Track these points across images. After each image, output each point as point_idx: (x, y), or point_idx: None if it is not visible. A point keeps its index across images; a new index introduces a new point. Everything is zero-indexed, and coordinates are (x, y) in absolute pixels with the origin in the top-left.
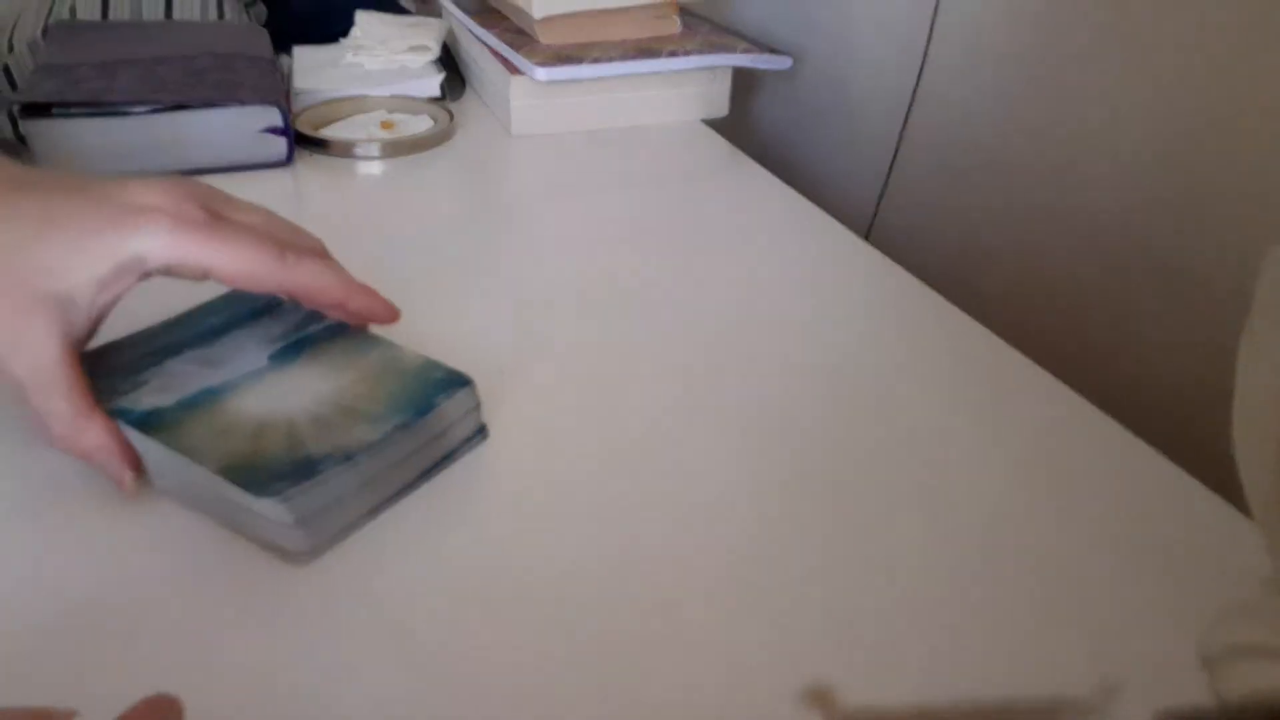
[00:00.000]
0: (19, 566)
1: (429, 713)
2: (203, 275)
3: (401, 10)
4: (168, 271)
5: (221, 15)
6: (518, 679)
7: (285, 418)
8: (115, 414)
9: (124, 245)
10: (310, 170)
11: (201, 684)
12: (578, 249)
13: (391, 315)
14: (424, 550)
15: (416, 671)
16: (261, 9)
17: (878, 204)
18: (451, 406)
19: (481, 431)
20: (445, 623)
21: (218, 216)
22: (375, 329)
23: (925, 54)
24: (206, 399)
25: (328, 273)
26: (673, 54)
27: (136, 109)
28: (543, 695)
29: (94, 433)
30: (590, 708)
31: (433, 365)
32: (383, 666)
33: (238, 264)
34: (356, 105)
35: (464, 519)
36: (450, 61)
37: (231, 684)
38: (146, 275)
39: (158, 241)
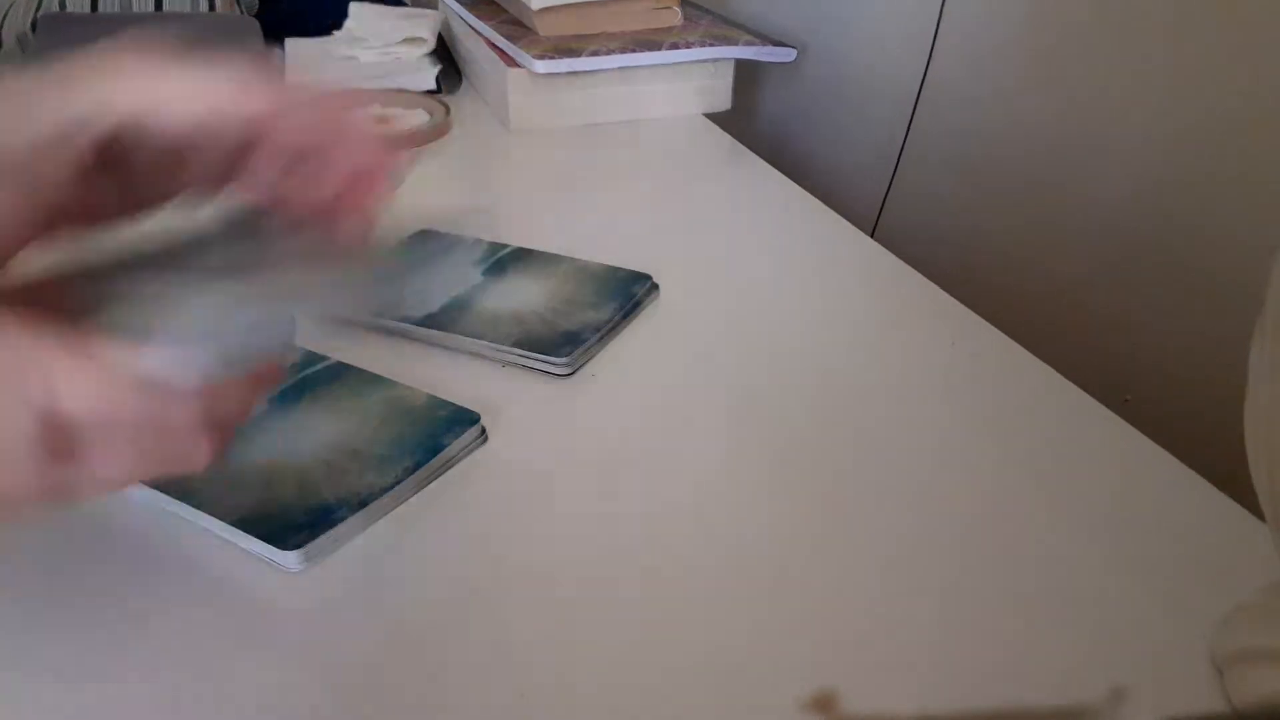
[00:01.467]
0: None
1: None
2: (164, 131)
3: (396, 1)
4: (121, 132)
5: (212, 7)
6: (516, 684)
7: (295, 465)
8: None
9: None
10: None
11: (198, 692)
12: (577, 245)
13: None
14: (421, 554)
15: (415, 677)
16: (253, 1)
17: (884, 199)
18: (459, 444)
19: (482, 436)
20: (442, 627)
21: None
22: (363, 362)
23: (932, 47)
24: None
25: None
26: (674, 46)
27: None
28: (541, 701)
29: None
30: (588, 714)
31: (438, 403)
32: (380, 672)
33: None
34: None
35: (462, 522)
36: (446, 54)
37: (230, 693)
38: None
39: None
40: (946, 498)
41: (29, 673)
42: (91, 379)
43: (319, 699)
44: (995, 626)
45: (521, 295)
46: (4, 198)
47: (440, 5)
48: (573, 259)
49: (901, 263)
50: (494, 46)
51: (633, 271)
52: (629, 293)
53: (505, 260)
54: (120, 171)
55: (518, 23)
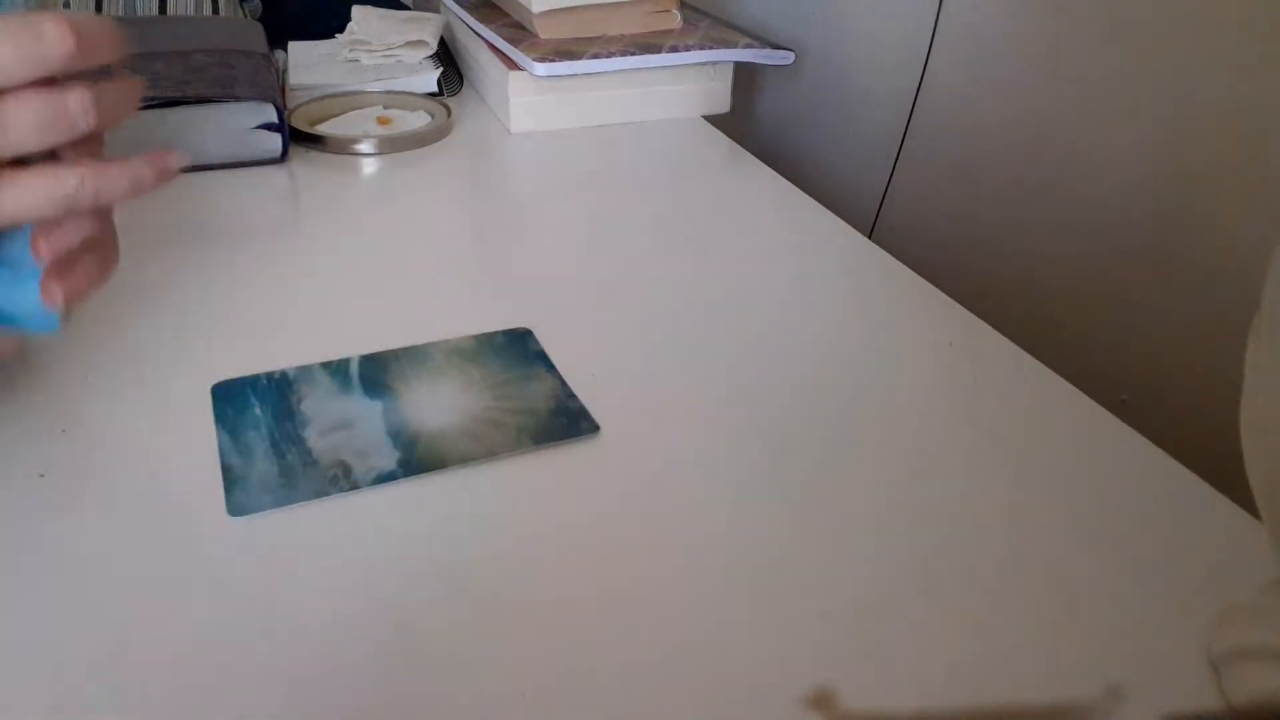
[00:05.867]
0: None
1: (433, 715)
2: None
3: (399, 5)
4: None
5: (216, 11)
6: (513, 682)
7: None
8: None
9: None
10: (306, 167)
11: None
12: (577, 246)
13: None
14: (417, 550)
15: (416, 673)
16: (256, 4)
17: (881, 200)
18: None
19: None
20: (442, 626)
21: None
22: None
23: (929, 49)
24: None
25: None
26: (673, 49)
27: None
28: (541, 701)
29: None
30: (589, 713)
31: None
32: (381, 671)
33: None
34: (353, 101)
35: (460, 518)
36: (448, 57)
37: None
38: None
39: None
40: (943, 497)
41: None
42: None
43: (315, 694)
44: (993, 625)
45: (444, 400)
46: None
47: (442, 9)
48: (432, 343)
49: (899, 263)
50: (495, 49)
51: (507, 330)
52: (525, 350)
53: (365, 373)
54: None
55: (519, 26)
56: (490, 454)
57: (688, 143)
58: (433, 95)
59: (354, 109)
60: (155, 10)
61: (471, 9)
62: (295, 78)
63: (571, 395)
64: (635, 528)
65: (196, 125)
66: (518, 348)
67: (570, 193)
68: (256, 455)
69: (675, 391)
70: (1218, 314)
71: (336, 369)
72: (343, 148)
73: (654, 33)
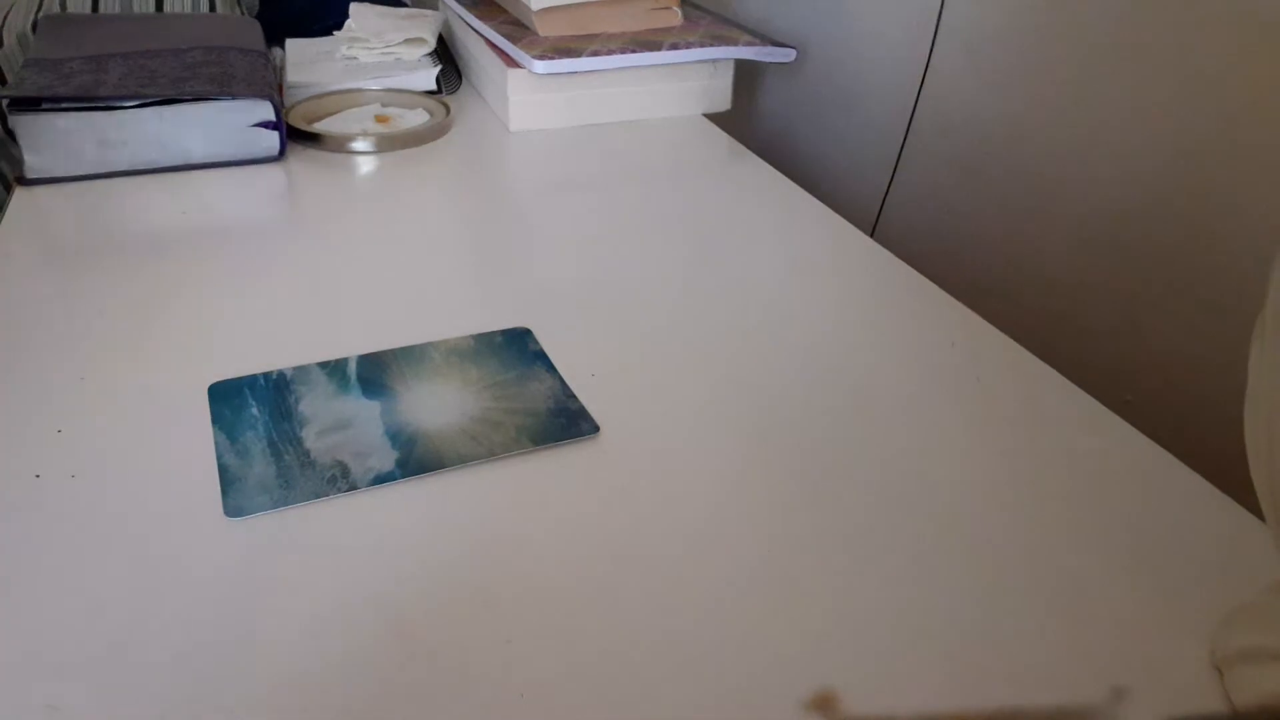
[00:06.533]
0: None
1: (431, 716)
2: None
3: (397, 2)
4: None
5: (213, 8)
6: (511, 682)
7: None
8: None
9: None
10: (303, 165)
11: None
12: (577, 246)
13: None
14: (416, 551)
15: (414, 673)
16: (254, 1)
17: (883, 199)
18: None
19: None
20: (440, 627)
21: None
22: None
23: (932, 47)
24: None
25: None
26: (674, 46)
27: (126, 103)
28: (542, 701)
29: None
30: (587, 714)
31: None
32: (382, 669)
33: None
34: (351, 99)
35: (459, 519)
36: (447, 55)
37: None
38: None
39: None
40: (945, 498)
41: None
42: None
43: (313, 695)
44: (995, 626)
45: (443, 400)
46: None
47: (441, 6)
48: (431, 343)
49: (901, 262)
50: (494, 47)
51: (507, 330)
52: (524, 350)
53: (363, 373)
54: None
55: (518, 23)
56: (489, 455)
57: (688, 141)
58: (431, 93)
59: (352, 107)
60: (152, 7)
61: (471, 6)
62: (293, 75)
63: (571, 395)
64: (635, 528)
65: (193, 123)
66: (517, 347)
67: (570, 191)
68: (253, 456)
69: (675, 391)
70: (1222, 313)
71: (334, 369)
72: (341, 146)
73: (654, 30)
